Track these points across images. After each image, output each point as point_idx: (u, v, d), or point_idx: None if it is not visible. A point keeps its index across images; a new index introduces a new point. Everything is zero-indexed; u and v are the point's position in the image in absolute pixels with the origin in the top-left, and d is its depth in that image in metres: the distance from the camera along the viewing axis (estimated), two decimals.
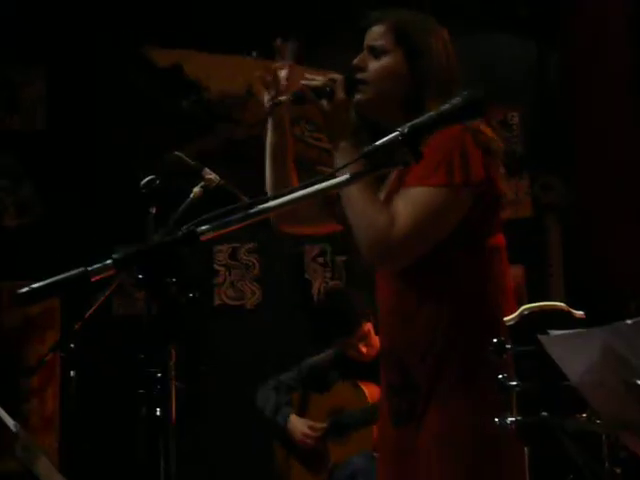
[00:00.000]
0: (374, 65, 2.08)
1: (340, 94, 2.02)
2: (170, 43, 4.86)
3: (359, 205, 1.92)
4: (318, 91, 2.05)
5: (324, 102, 2.02)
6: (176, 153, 3.07)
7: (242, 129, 4.94)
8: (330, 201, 2.15)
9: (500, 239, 2.01)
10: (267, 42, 4.91)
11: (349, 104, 2.04)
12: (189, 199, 2.91)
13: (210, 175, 2.96)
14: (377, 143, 1.58)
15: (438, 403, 1.91)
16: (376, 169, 1.61)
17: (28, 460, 2.07)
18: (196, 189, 2.93)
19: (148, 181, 2.87)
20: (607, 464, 1.29)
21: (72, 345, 2.89)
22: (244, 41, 4.90)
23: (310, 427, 3.75)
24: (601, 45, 4.87)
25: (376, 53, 2.08)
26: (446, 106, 1.64)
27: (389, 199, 1.98)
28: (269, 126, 2.24)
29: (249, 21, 4.92)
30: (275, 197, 1.56)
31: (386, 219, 1.87)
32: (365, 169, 1.60)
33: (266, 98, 2.18)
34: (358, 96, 2.07)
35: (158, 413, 2.37)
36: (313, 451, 3.78)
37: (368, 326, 3.73)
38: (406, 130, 1.59)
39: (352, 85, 2.07)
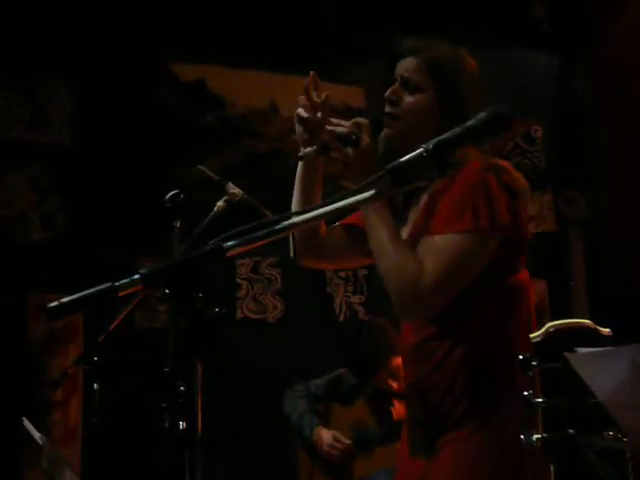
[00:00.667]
0: (408, 100, 2.05)
1: (366, 140, 1.99)
2: (194, 58, 4.90)
3: (389, 254, 1.90)
4: (343, 139, 2.02)
5: (349, 150, 2.00)
6: (200, 167, 3.08)
7: (265, 143, 4.97)
8: (358, 236, 2.14)
9: (524, 275, 2.00)
10: (289, 57, 4.96)
11: (375, 149, 2.01)
12: (213, 213, 2.93)
13: (233, 189, 2.97)
14: (402, 159, 1.59)
15: (459, 438, 1.90)
16: (402, 185, 1.61)
17: (53, 472, 2.08)
18: (220, 203, 2.94)
19: (172, 195, 2.88)
20: None
21: (95, 358, 2.90)
22: (267, 56, 4.96)
23: (336, 438, 3.73)
24: (628, 60, 4.86)
25: (410, 88, 2.05)
26: (471, 121, 1.64)
27: (414, 240, 1.97)
28: (299, 163, 2.22)
29: (271, 36, 4.95)
30: (301, 213, 1.57)
31: (415, 269, 1.86)
32: (391, 185, 1.60)
33: (298, 132, 2.16)
34: (387, 131, 2.05)
35: (181, 426, 2.37)
36: (338, 463, 3.76)
37: (397, 361, 3.69)
38: (431, 146, 1.59)
39: (378, 127, 2.04)
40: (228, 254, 1.44)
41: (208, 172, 3.05)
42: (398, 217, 2.08)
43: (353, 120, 2.04)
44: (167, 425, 2.60)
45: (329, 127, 2.05)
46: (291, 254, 2.29)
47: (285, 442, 3.99)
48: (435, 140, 1.60)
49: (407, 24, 5.01)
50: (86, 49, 4.69)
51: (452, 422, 1.92)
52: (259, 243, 1.48)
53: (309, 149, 2.05)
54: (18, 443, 4.03)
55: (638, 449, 1.25)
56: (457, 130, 1.63)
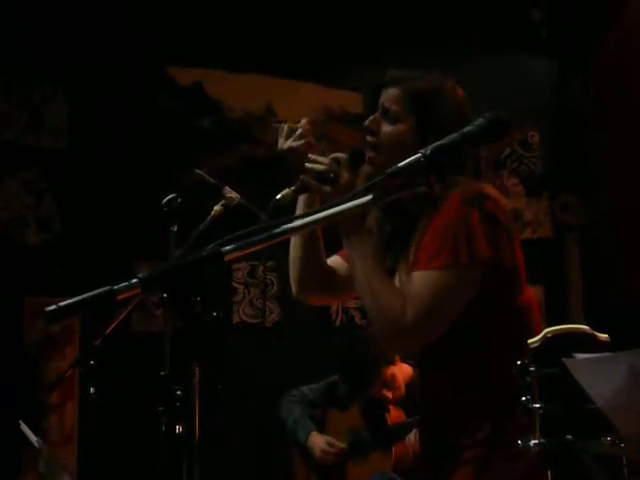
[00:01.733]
0: (387, 130, 2.04)
1: (345, 176, 1.99)
2: (191, 62, 4.90)
3: (372, 290, 1.91)
4: (322, 177, 2.01)
5: (327, 188, 1.99)
6: (197, 171, 3.09)
7: (262, 148, 4.97)
8: None
9: (526, 297, 1.99)
10: (287, 61, 4.96)
11: (354, 182, 1.99)
12: (210, 217, 2.93)
13: (231, 194, 2.97)
14: (400, 165, 1.59)
15: (477, 458, 1.90)
16: (399, 191, 1.61)
17: (50, 475, 2.08)
18: (217, 207, 2.95)
19: (169, 199, 2.89)
20: None
21: (91, 362, 2.90)
22: (264, 60, 4.96)
23: (329, 444, 3.72)
24: (627, 66, 4.87)
25: (390, 118, 2.04)
26: (469, 127, 1.64)
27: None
28: (299, 202, 2.21)
29: (269, 41, 4.96)
30: (299, 217, 1.57)
31: (397, 305, 1.87)
32: (388, 191, 1.60)
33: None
34: (367, 168, 2.03)
35: (178, 430, 2.37)
36: (332, 469, 3.75)
37: (392, 370, 3.66)
38: (428, 152, 1.59)
39: (358, 159, 2.04)
40: (226, 258, 1.44)
41: (205, 176, 3.06)
42: (392, 252, 2.08)
43: (331, 156, 2.04)
44: (164, 429, 2.60)
45: (307, 165, 2.04)
46: (293, 292, 2.27)
47: (282, 446, 3.98)
48: (432, 145, 1.60)
49: (406, 30, 5.02)
50: (83, 54, 4.69)
51: (469, 447, 1.92)
52: (257, 247, 1.48)
53: (287, 190, 2.06)
54: (15, 446, 4.03)
55: (635, 455, 1.26)
56: (454, 136, 1.63)
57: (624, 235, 4.88)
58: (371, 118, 2.07)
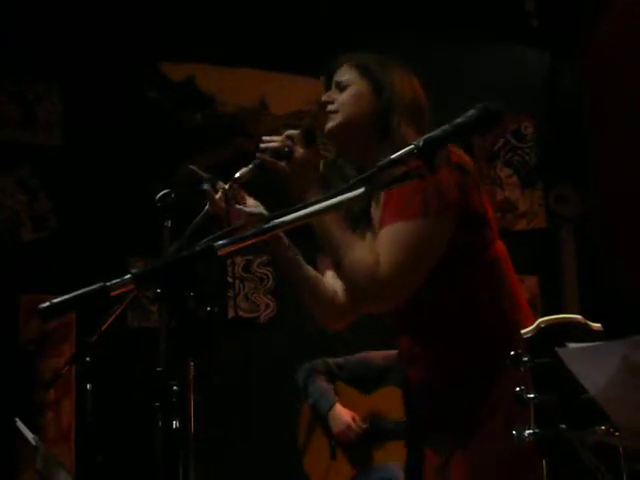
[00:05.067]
0: (341, 96, 2.12)
1: (299, 150, 2.03)
2: (183, 57, 4.89)
3: (342, 250, 1.92)
4: (277, 153, 2.06)
5: (284, 163, 2.03)
6: (190, 166, 3.08)
7: (255, 142, 4.96)
8: None
9: (498, 249, 2.01)
10: (279, 55, 4.95)
11: (310, 157, 2.04)
12: (203, 212, 2.92)
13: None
14: (392, 156, 1.59)
15: (468, 430, 1.90)
16: (391, 183, 1.61)
17: (48, 473, 2.08)
18: None
19: (163, 195, 2.88)
20: (625, 477, 1.29)
21: (87, 358, 2.90)
22: (256, 54, 4.95)
23: (355, 419, 3.67)
24: (619, 55, 4.87)
25: (342, 87, 2.13)
26: (460, 118, 1.64)
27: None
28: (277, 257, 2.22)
29: (261, 34, 4.95)
30: (290, 212, 1.56)
31: (370, 260, 1.88)
32: (380, 182, 1.60)
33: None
34: (329, 125, 2.10)
35: (174, 426, 2.37)
36: (354, 444, 3.68)
37: None
38: (421, 143, 1.59)
39: (311, 136, 2.08)
40: (220, 253, 1.44)
41: (198, 171, 3.05)
42: (358, 220, 2.10)
43: (285, 133, 2.08)
44: (160, 424, 2.60)
45: (262, 145, 2.09)
46: (319, 324, 2.29)
47: (277, 442, 3.98)
48: (425, 137, 1.60)
49: (399, 22, 5.02)
50: (76, 50, 4.68)
51: (463, 420, 1.91)
52: (250, 242, 1.48)
53: (244, 169, 2.10)
54: (12, 444, 4.02)
55: (630, 444, 1.26)
56: (446, 127, 1.63)
57: (619, 225, 4.88)
58: (326, 93, 2.16)
